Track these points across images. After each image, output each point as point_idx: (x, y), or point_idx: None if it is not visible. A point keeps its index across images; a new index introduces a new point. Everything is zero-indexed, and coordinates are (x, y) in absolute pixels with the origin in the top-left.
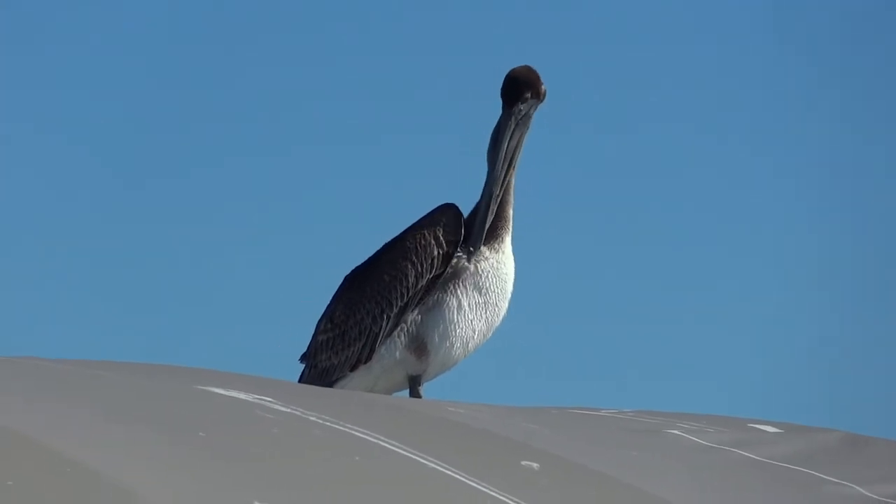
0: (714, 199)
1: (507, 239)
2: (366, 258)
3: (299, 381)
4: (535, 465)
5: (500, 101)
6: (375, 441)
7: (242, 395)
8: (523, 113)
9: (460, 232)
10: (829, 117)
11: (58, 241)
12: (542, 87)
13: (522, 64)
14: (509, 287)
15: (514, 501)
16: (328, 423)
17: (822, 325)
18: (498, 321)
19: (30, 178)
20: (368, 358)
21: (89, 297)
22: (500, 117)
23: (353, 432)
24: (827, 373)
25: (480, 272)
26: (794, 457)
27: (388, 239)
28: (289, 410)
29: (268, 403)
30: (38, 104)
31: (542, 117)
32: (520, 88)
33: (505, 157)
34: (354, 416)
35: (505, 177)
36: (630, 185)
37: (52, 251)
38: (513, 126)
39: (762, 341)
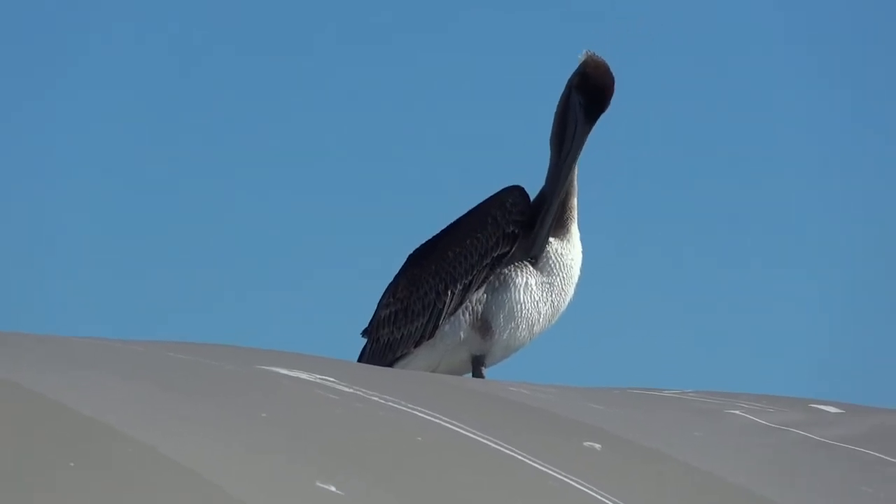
0: (771, 179)
1: (573, 227)
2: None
3: (360, 355)
4: (597, 445)
5: (560, 73)
6: (438, 421)
7: (304, 376)
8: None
9: (527, 213)
10: None
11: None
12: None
13: (597, 61)
14: (575, 272)
15: (577, 482)
16: (390, 404)
17: (884, 305)
18: (564, 306)
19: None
20: (432, 334)
21: (151, 279)
22: (574, 120)
23: (416, 412)
24: (888, 353)
25: (546, 256)
26: (856, 437)
27: (454, 218)
28: (351, 391)
29: (330, 384)
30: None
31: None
32: (605, 103)
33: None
34: (416, 396)
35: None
36: (682, 160)
37: (112, 234)
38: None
39: (822, 321)
